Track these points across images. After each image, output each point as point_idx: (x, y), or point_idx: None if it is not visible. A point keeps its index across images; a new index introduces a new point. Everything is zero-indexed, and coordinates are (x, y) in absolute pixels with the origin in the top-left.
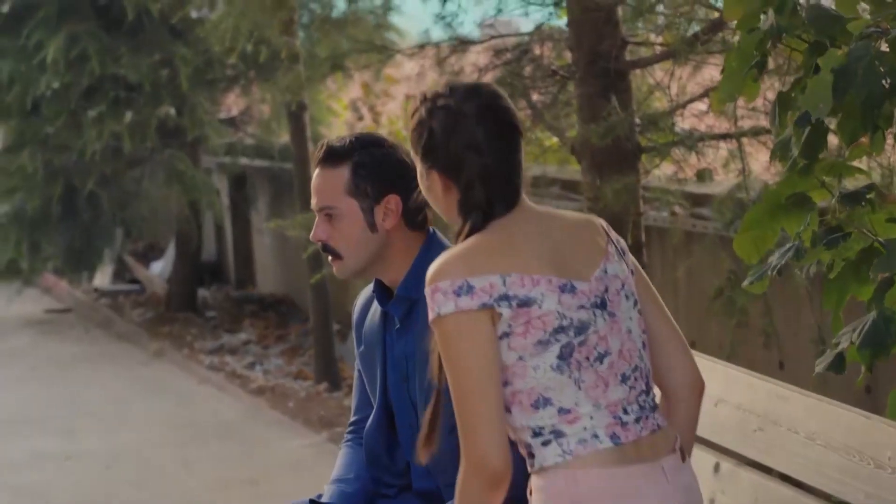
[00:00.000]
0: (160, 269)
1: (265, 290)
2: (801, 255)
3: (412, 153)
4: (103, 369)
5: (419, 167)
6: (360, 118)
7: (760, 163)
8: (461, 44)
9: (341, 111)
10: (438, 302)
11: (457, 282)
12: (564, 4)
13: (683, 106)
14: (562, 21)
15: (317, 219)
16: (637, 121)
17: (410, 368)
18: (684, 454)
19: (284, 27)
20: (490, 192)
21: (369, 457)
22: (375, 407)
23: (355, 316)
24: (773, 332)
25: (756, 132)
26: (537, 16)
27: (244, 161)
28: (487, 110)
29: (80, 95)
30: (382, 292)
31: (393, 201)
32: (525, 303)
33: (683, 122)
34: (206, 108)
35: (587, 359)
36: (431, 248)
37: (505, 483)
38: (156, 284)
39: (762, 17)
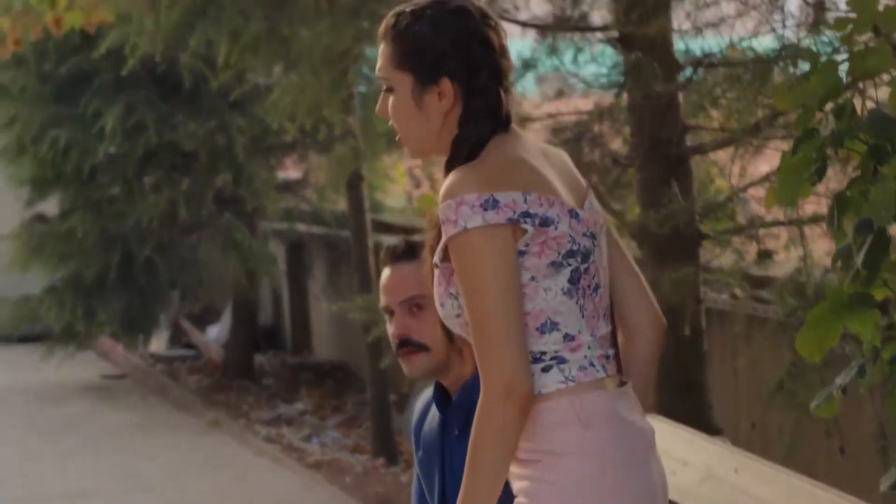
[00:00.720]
0: (216, 333)
1: (322, 357)
2: (864, 373)
3: (392, 75)
4: (160, 439)
5: (411, 86)
6: (418, 185)
7: (822, 247)
8: (521, 121)
9: (399, 178)
10: (464, 215)
11: (483, 195)
12: (626, 89)
13: (744, 189)
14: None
15: (396, 314)
16: (697, 208)
17: None
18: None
19: (343, 104)
20: (502, 97)
21: None
22: None
23: (414, 419)
24: (834, 424)
25: (816, 219)
26: (597, 96)
27: (301, 227)
28: (482, 13)
29: (137, 163)
30: (441, 397)
31: None
32: (545, 222)
33: (744, 206)
34: (262, 178)
35: (588, 287)
36: None
37: (530, 407)
38: (212, 350)
39: (818, 114)
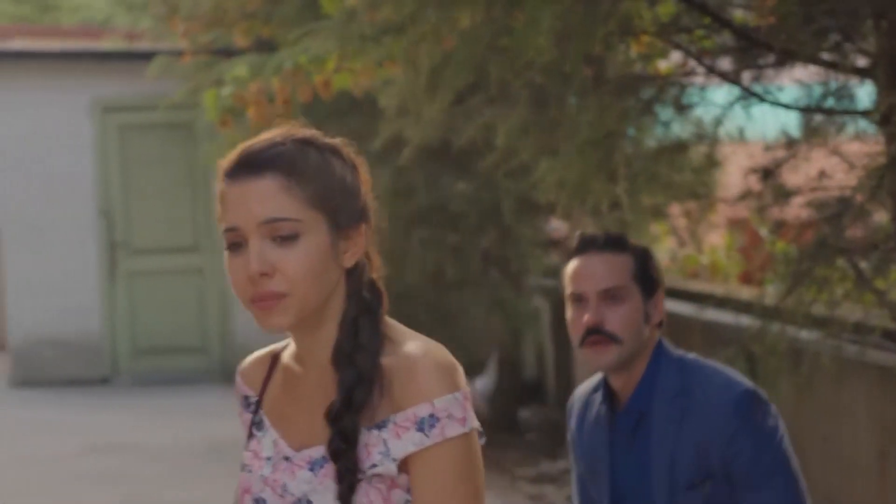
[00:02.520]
0: (481, 386)
1: None
2: None
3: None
4: None
5: (347, 233)
6: (682, 244)
7: None
8: (783, 195)
9: (663, 236)
10: (469, 413)
11: (466, 389)
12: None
13: None
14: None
15: (590, 303)
16: None
17: (649, 477)
18: None
19: (609, 175)
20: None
21: None
22: None
23: (573, 420)
24: None
25: None
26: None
27: None
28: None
29: (406, 223)
30: (610, 397)
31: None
32: None
33: None
34: (528, 237)
35: None
36: (660, 358)
37: None
38: (477, 402)
39: None
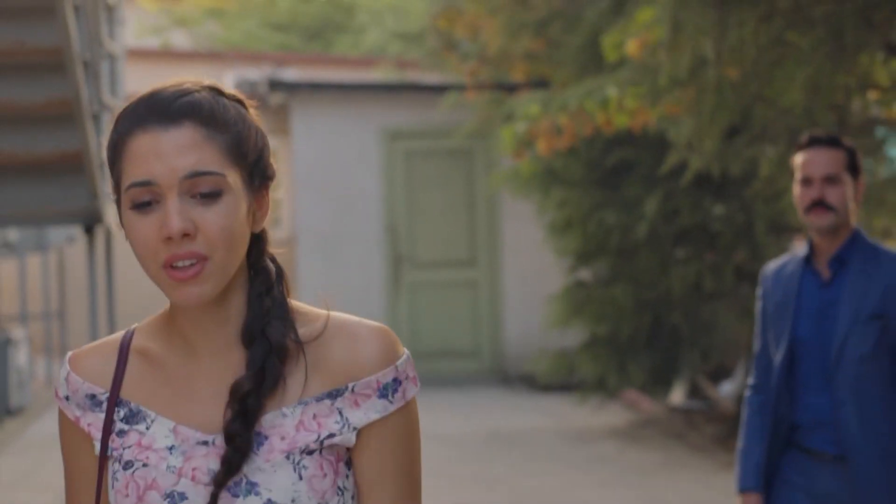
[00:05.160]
0: (729, 389)
1: None
2: None
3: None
4: (680, 475)
5: (256, 193)
6: None
7: None
8: None
9: None
10: (413, 378)
11: None
12: None
13: None
14: None
15: (815, 184)
16: None
17: (836, 308)
18: None
19: None
20: None
21: (774, 411)
22: (781, 366)
23: (769, 279)
24: None
25: None
26: None
27: None
28: None
29: (671, 241)
30: (811, 255)
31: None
32: None
33: None
34: (777, 254)
35: None
36: (859, 233)
37: None
38: (725, 403)
39: None
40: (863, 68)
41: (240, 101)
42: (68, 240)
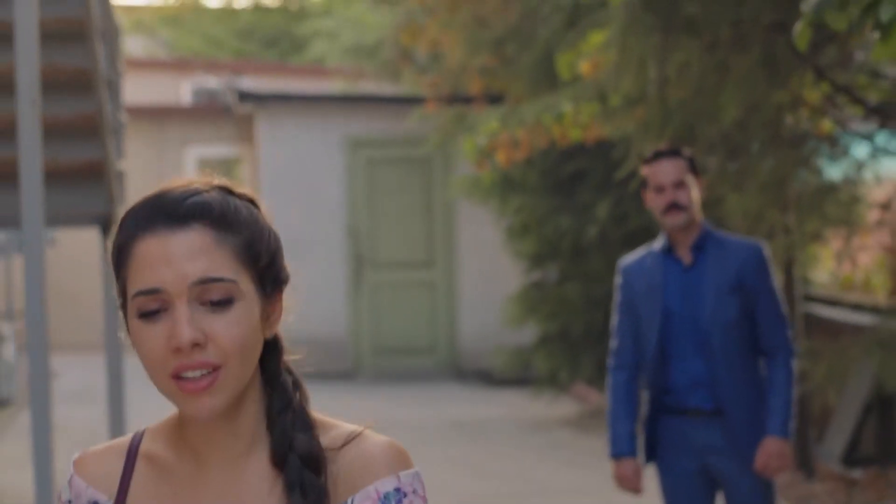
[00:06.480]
0: None
1: None
2: None
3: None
4: None
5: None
6: (839, 263)
7: None
8: None
9: (825, 258)
10: (422, 497)
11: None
12: None
13: None
14: None
15: (670, 189)
16: None
17: (701, 286)
18: None
19: (782, 208)
20: None
21: (651, 381)
22: (655, 339)
23: (631, 271)
24: None
25: None
26: None
27: None
28: None
29: (619, 243)
30: (669, 247)
31: None
32: None
33: None
34: None
35: None
36: (707, 224)
37: None
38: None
39: None
40: (795, 89)
41: (251, 201)
42: (49, 242)
